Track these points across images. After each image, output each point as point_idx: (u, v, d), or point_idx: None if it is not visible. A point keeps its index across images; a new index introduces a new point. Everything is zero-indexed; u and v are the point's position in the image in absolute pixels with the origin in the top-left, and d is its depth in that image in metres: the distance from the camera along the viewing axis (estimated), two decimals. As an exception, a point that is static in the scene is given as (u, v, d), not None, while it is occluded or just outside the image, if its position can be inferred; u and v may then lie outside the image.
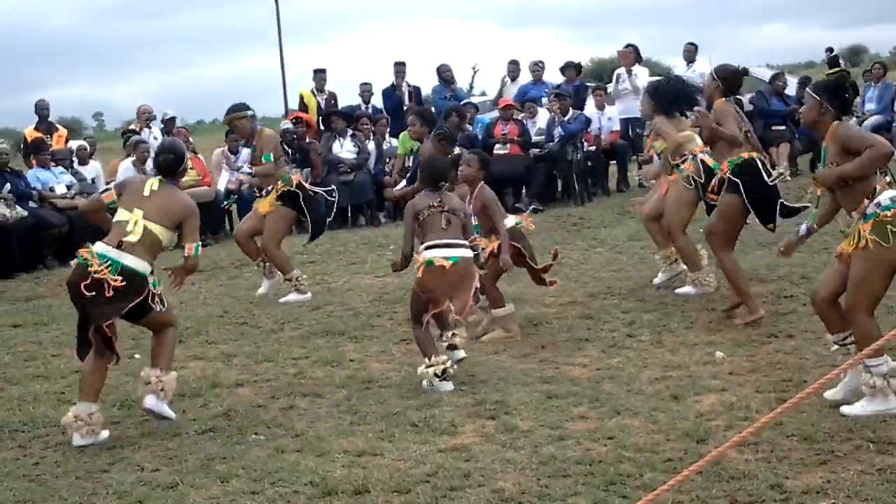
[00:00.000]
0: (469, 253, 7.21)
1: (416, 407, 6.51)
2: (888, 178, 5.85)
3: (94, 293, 6.17)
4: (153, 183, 6.54)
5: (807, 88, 6.22)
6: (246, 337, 8.76)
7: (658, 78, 10.32)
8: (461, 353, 7.30)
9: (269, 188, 10.19)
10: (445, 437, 5.94)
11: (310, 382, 7.30)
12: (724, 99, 8.17)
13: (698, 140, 8.87)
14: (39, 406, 7.09)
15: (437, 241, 7.14)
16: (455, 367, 7.12)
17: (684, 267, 9.31)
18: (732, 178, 7.90)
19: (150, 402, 6.38)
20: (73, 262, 6.41)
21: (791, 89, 17.69)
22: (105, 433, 6.31)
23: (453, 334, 7.31)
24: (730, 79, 8.32)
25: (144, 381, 6.44)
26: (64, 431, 6.40)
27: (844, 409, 5.83)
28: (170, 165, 6.64)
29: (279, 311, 9.66)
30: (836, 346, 6.25)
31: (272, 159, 9.98)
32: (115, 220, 6.47)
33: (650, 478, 5.07)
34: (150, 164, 14.95)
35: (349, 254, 12.75)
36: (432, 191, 7.35)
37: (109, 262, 6.18)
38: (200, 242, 6.70)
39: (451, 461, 5.50)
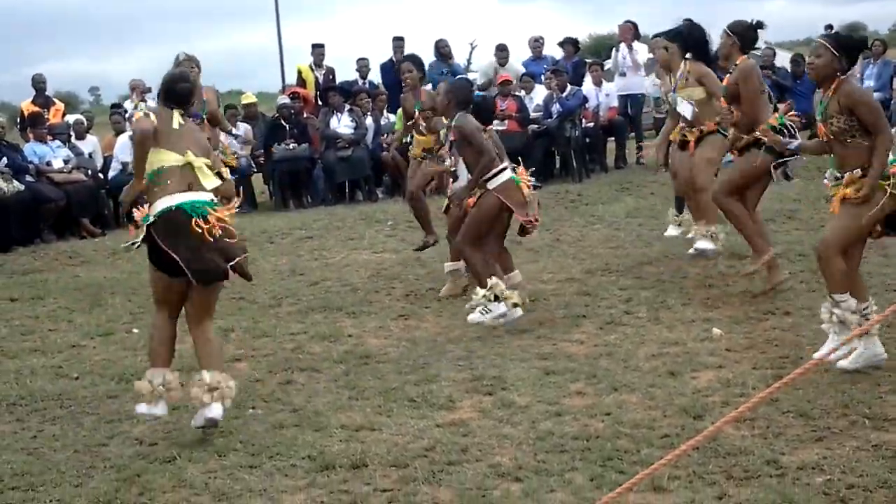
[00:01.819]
0: None
1: (413, 382, 6.52)
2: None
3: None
4: (177, 118, 5.96)
5: (823, 41, 6.14)
6: (243, 312, 8.76)
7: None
8: (519, 312, 7.63)
9: None
10: (443, 412, 5.95)
11: (307, 357, 7.31)
12: (745, 56, 8.05)
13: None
14: (37, 380, 7.10)
15: (504, 165, 7.69)
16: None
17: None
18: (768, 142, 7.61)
19: (217, 412, 5.75)
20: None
21: (780, 61, 17.69)
22: (163, 409, 5.91)
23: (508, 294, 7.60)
24: (745, 34, 8.12)
25: (211, 385, 5.76)
26: (62, 405, 6.42)
27: (841, 363, 6.05)
28: (187, 95, 6.10)
29: (277, 286, 9.66)
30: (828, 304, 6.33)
31: None
32: (165, 166, 5.81)
33: (647, 453, 5.09)
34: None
35: (347, 229, 12.73)
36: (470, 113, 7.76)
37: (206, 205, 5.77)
38: None
39: (448, 436, 5.52)
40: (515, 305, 7.56)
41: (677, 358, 6.69)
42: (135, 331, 7.97)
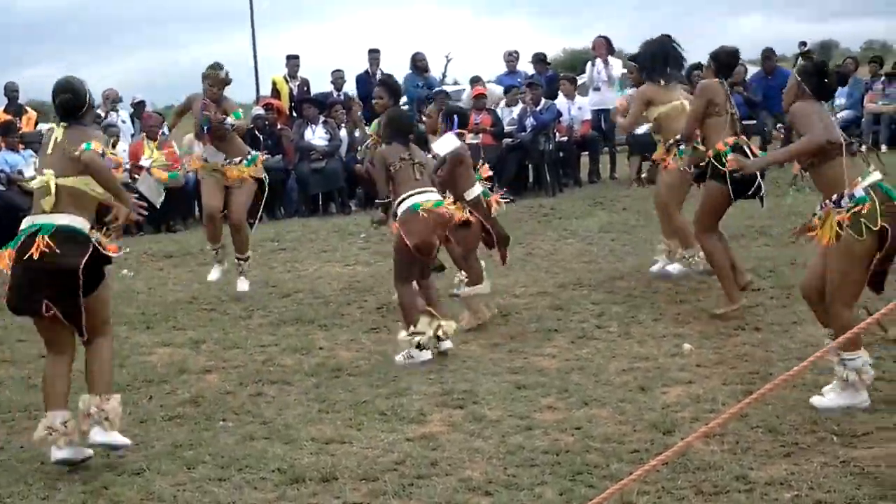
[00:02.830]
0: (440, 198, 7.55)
1: (384, 395, 6.51)
2: (859, 179, 5.81)
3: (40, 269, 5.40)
4: (56, 134, 5.67)
5: (793, 70, 6.21)
6: (214, 323, 8.73)
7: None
8: (448, 344, 7.42)
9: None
10: (413, 425, 5.95)
11: (278, 370, 7.29)
12: (716, 80, 8.11)
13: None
14: (5, 390, 7.06)
15: (414, 191, 7.42)
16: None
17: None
18: (717, 164, 7.80)
19: (98, 436, 5.57)
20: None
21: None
22: (89, 451, 5.61)
23: (439, 326, 7.41)
24: (723, 59, 8.23)
25: (84, 412, 5.59)
26: (30, 416, 6.38)
27: (815, 400, 5.86)
28: (70, 105, 5.69)
29: (248, 298, 9.62)
30: (827, 340, 6.00)
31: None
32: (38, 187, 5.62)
33: (617, 468, 5.10)
34: (120, 147, 14.89)
35: (320, 241, 12.72)
36: (401, 143, 7.59)
37: (39, 227, 5.44)
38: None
39: (418, 450, 5.52)
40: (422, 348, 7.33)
41: (648, 373, 6.71)
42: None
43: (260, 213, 10.14)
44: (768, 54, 17.26)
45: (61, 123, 5.71)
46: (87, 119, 5.95)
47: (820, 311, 6.09)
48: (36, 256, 5.38)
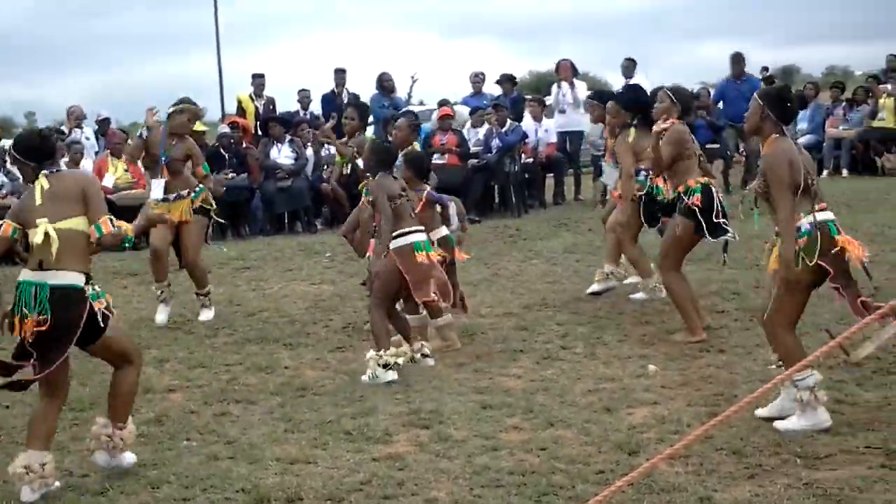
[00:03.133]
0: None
1: (350, 415, 6.50)
2: (802, 215, 5.86)
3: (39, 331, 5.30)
4: (40, 184, 5.51)
5: (754, 94, 6.25)
6: (179, 342, 8.69)
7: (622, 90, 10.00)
8: (431, 361, 7.59)
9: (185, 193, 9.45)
10: (379, 445, 5.93)
11: (243, 389, 7.26)
12: (680, 121, 8.18)
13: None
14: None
15: (412, 228, 7.55)
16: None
17: (616, 283, 9.49)
18: (689, 203, 7.91)
19: (101, 461, 5.65)
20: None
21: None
22: (57, 483, 5.51)
23: (422, 345, 7.63)
24: (685, 102, 8.43)
25: (96, 434, 5.64)
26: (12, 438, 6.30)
27: (778, 424, 5.90)
28: (38, 153, 5.60)
29: (213, 316, 9.57)
30: (774, 366, 6.26)
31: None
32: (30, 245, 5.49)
33: (582, 489, 5.11)
34: (84, 164, 14.80)
35: (285, 260, 12.69)
36: (389, 174, 7.67)
37: (35, 287, 5.35)
38: (123, 231, 5.51)
39: (384, 470, 5.50)
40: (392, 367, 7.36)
41: (613, 394, 6.73)
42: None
43: (210, 232, 9.91)
44: (737, 59, 17.17)
45: (40, 175, 5.53)
46: (58, 161, 5.95)
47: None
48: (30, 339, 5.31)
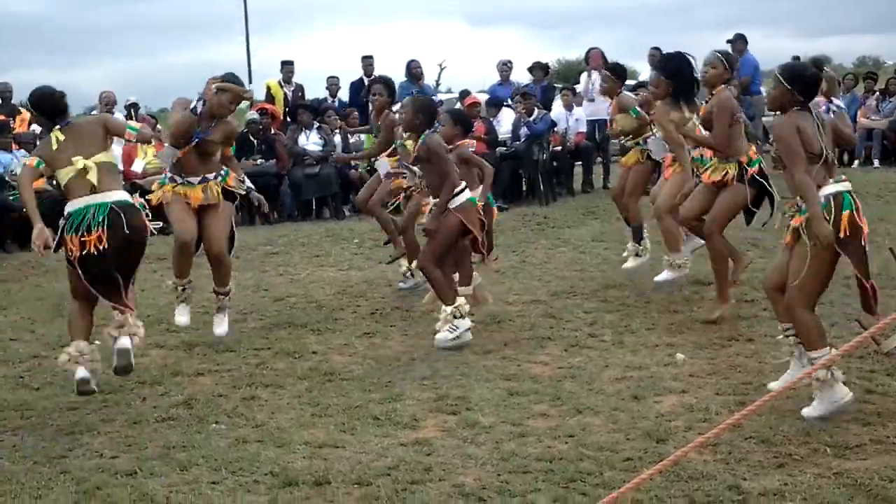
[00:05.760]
0: None
1: (377, 400, 6.51)
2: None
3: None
4: (56, 136, 6.47)
5: (775, 71, 6.19)
6: (207, 326, 8.69)
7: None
8: (467, 322, 7.84)
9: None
10: (407, 430, 5.95)
11: (271, 373, 7.28)
12: (723, 86, 8.07)
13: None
14: (-3, 390, 7.03)
15: (464, 185, 7.87)
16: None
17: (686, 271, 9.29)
18: (752, 172, 7.95)
19: (125, 343, 6.56)
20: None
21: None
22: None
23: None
24: (733, 65, 8.38)
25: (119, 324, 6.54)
26: (22, 416, 6.37)
27: (804, 411, 5.86)
28: (51, 110, 6.58)
29: (241, 301, 9.61)
30: (781, 336, 6.34)
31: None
32: (64, 182, 6.43)
33: (610, 476, 5.11)
34: (114, 149, 14.84)
35: (313, 246, 12.72)
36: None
37: (93, 208, 6.30)
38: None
39: (412, 455, 5.52)
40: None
41: (641, 382, 6.72)
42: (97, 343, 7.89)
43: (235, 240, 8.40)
44: (736, 39, 16.96)
45: (55, 128, 6.48)
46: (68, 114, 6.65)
47: (779, 306, 6.19)
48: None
